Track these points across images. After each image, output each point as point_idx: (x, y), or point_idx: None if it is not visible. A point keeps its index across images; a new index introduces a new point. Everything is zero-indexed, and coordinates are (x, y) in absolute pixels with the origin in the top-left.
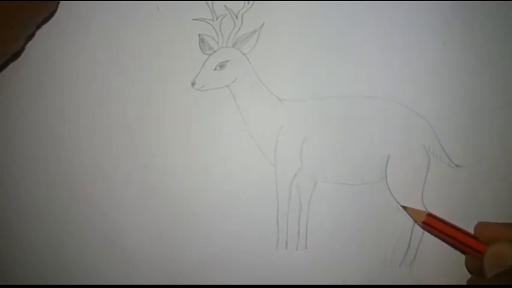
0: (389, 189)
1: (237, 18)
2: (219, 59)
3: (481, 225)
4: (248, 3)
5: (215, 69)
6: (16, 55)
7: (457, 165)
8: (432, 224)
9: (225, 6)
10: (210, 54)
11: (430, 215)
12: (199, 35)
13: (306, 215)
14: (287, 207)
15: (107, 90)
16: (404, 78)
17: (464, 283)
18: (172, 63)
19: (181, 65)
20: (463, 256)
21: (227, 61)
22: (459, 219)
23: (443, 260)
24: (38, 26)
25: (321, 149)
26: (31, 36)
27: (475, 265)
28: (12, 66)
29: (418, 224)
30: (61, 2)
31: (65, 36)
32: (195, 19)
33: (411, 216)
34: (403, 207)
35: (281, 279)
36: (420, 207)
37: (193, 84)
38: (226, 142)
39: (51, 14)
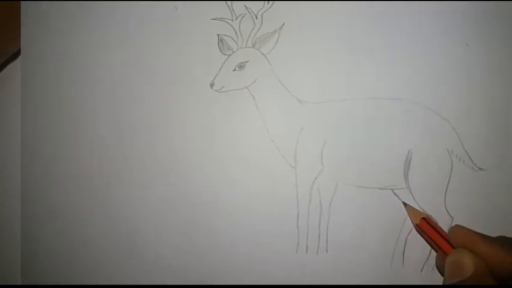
0: (411, 193)
1: (256, 18)
2: (238, 59)
3: (456, 228)
4: (268, 3)
5: (234, 69)
6: (16, 55)
7: (480, 169)
8: (424, 229)
9: (244, 6)
10: (229, 55)
11: (425, 219)
12: (218, 35)
13: (326, 218)
14: (307, 210)
15: (123, 92)
16: (427, 80)
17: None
18: (191, 63)
19: (199, 65)
20: None
21: (247, 62)
22: (482, 223)
23: None
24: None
25: (342, 151)
26: None
27: (441, 265)
28: (12, 66)
29: (412, 223)
30: (76, 2)
31: (81, 37)
32: (214, 18)
33: (408, 214)
34: (404, 203)
35: (302, 283)
36: (443, 211)
37: (212, 85)
38: (245, 144)
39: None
